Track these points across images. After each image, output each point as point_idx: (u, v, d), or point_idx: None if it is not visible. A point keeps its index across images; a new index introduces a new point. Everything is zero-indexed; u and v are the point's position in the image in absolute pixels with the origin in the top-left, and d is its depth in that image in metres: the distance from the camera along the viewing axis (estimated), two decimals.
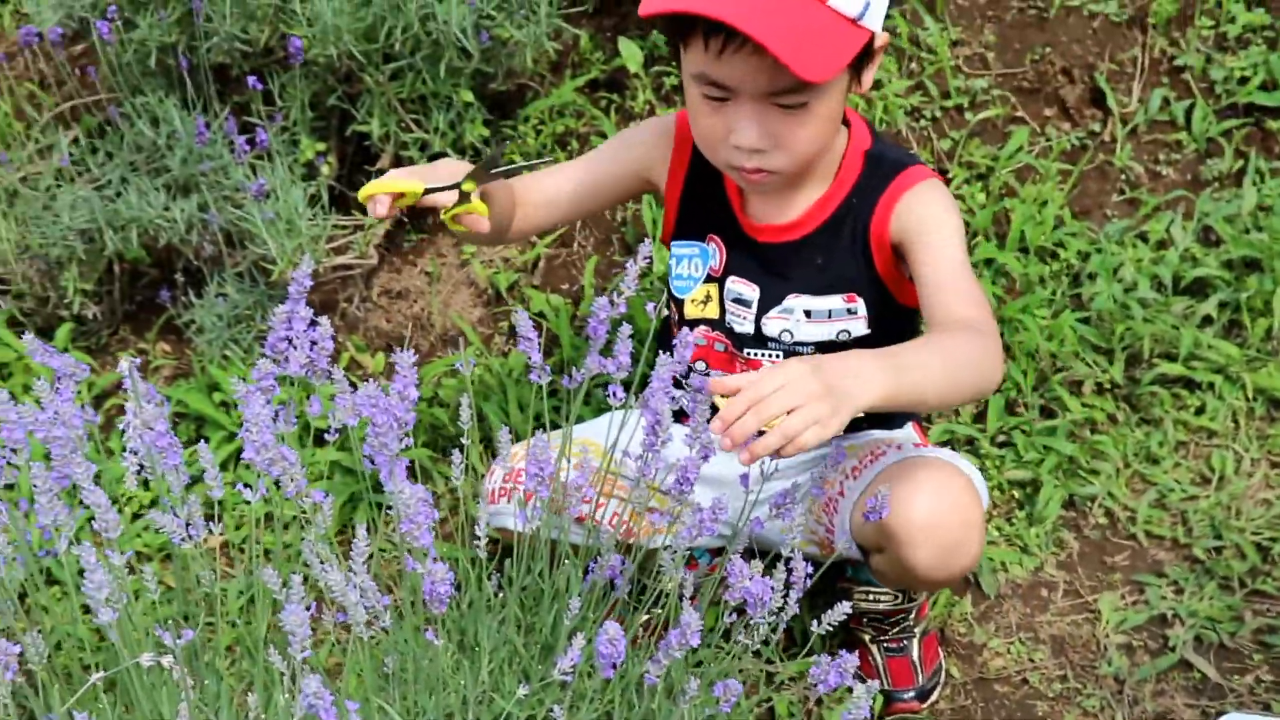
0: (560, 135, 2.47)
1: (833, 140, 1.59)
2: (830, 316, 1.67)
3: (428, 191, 1.55)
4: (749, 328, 1.70)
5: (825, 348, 1.70)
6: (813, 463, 1.77)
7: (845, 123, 1.64)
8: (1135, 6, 2.57)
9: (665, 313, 1.74)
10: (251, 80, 2.12)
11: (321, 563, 1.24)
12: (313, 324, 1.43)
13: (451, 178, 1.57)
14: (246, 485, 2.10)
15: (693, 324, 1.71)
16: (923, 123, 2.49)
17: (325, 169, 2.30)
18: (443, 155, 2.33)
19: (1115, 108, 2.48)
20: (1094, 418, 2.16)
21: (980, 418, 2.19)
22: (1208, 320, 2.25)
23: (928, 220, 1.57)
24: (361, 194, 1.54)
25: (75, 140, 2.33)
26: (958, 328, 1.44)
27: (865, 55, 1.51)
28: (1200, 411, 2.17)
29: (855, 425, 1.71)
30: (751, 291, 1.69)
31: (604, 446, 1.64)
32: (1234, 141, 2.43)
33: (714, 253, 1.70)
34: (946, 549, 1.52)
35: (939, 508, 1.51)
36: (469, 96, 2.26)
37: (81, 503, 2.10)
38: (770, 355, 1.71)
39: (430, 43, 2.16)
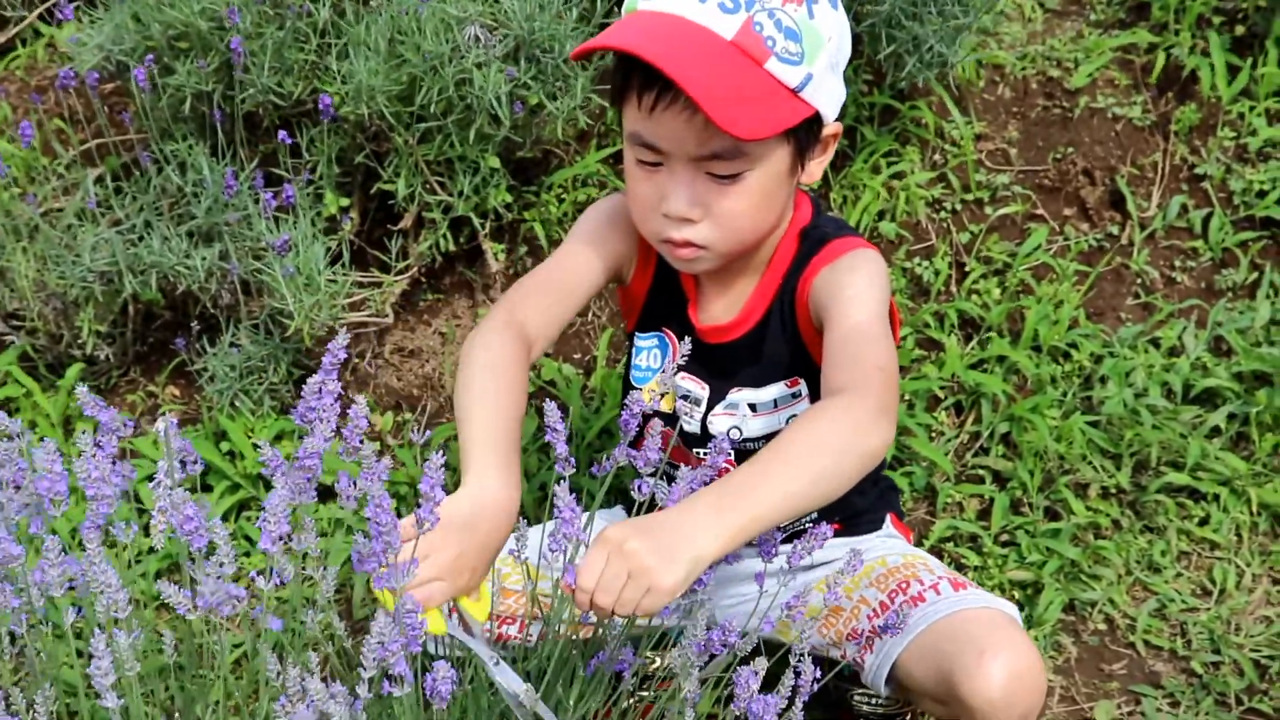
0: (582, 204, 2.48)
1: (768, 223, 1.54)
2: (776, 406, 1.64)
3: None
4: (696, 427, 1.67)
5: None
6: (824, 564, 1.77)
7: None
8: (1158, 113, 2.59)
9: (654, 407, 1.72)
10: (281, 135, 2.13)
11: (310, 673, 1.22)
12: (350, 402, 1.41)
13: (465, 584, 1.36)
14: (255, 556, 2.09)
15: (650, 416, 1.69)
16: (943, 214, 2.50)
17: (348, 225, 2.30)
18: (463, 219, 2.34)
19: (1134, 211, 2.50)
20: (1098, 522, 2.17)
21: (984, 515, 2.20)
22: (1216, 431, 2.26)
23: (835, 289, 1.51)
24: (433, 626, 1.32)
25: (100, 179, 2.33)
26: (812, 411, 1.37)
27: (810, 137, 1.48)
28: (1204, 523, 2.18)
29: (830, 516, 1.70)
30: (701, 390, 1.66)
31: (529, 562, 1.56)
32: (1250, 253, 2.45)
33: (670, 346, 1.68)
34: (1027, 713, 1.48)
35: (1016, 683, 1.46)
36: (495, 162, 2.27)
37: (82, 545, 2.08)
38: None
39: (463, 108, 2.17)
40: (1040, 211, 2.53)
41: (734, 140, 1.40)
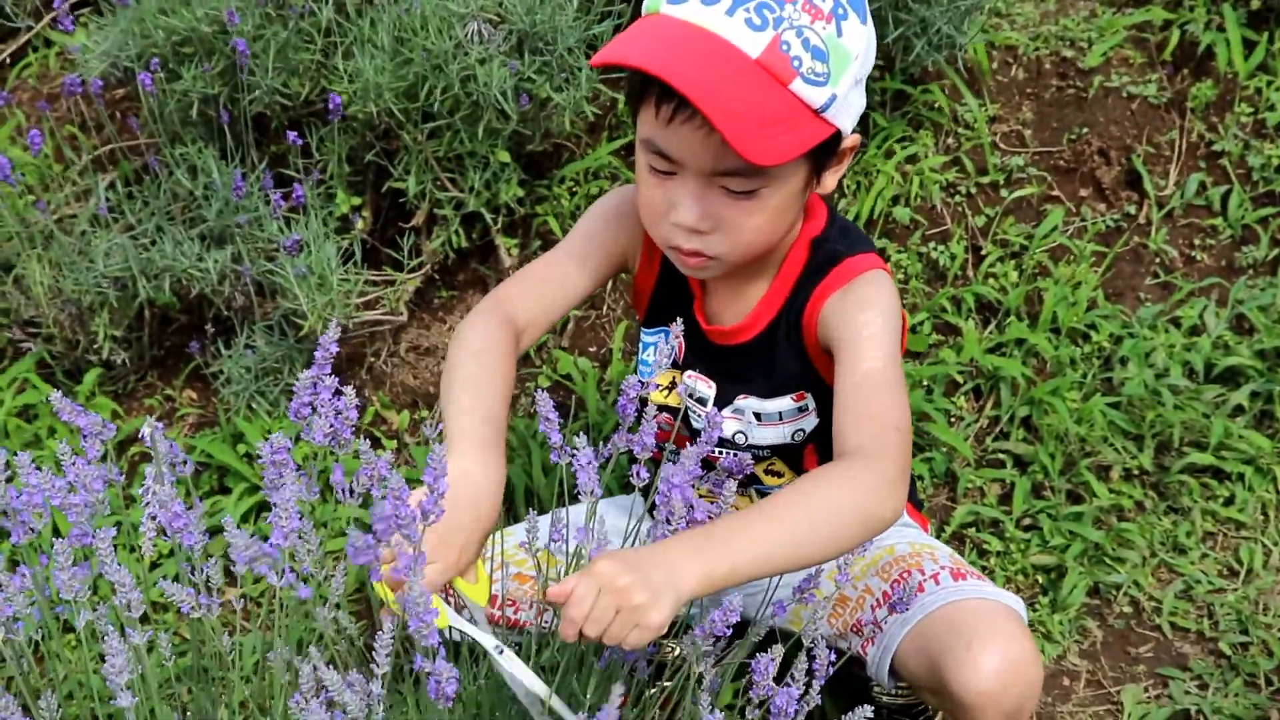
0: (594, 197, 2.47)
1: (780, 235, 1.50)
2: (782, 419, 1.62)
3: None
4: (704, 425, 1.62)
5: (781, 450, 1.65)
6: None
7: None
8: (1174, 90, 2.56)
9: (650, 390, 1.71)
10: (291, 136, 2.13)
11: (329, 663, 1.22)
12: (338, 393, 1.41)
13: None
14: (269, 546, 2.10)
15: (657, 410, 1.68)
16: (958, 198, 2.48)
17: (360, 223, 2.30)
18: (475, 215, 2.34)
19: (1151, 190, 2.48)
20: (1121, 504, 2.14)
21: (1006, 500, 2.18)
22: (1239, 410, 2.23)
23: (846, 327, 1.48)
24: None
25: (112, 185, 2.34)
26: (823, 471, 1.36)
27: (827, 153, 1.43)
28: (1229, 502, 2.15)
29: None
30: (708, 388, 1.63)
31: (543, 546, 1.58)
32: (1270, 229, 2.42)
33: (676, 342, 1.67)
34: (1013, 712, 1.44)
35: (1007, 675, 1.43)
36: (505, 157, 2.26)
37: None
38: (727, 455, 1.66)
39: (470, 103, 2.17)
40: (1056, 193, 2.50)
41: (754, 164, 1.36)
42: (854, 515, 1.32)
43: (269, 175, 2.20)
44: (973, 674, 1.43)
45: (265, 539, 1.85)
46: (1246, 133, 2.51)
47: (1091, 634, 2.02)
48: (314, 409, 1.43)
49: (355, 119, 2.25)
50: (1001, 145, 2.54)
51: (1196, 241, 2.45)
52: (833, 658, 1.41)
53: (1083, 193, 2.51)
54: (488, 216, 2.31)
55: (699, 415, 1.65)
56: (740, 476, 1.58)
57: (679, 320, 1.54)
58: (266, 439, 2.14)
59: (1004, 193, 2.48)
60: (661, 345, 1.57)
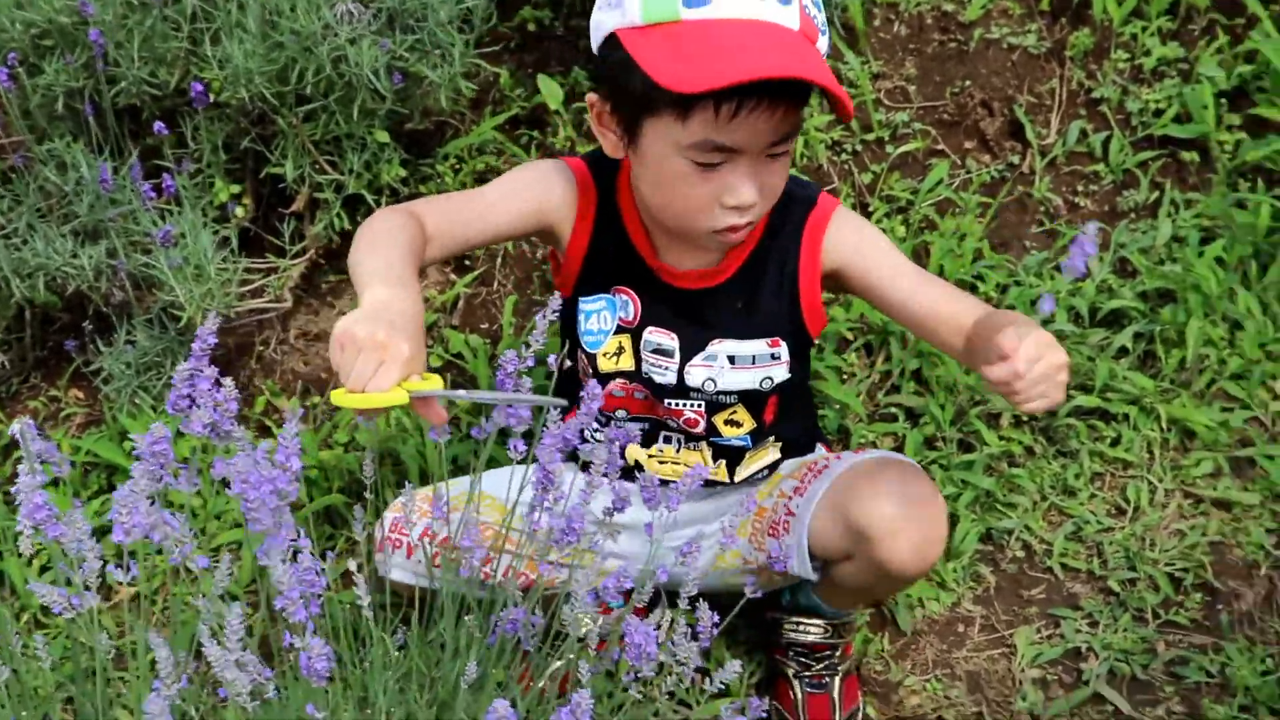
0: (480, 173, 2.46)
1: None
2: (754, 362, 1.66)
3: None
4: (671, 378, 1.66)
5: (747, 397, 1.69)
6: (715, 512, 1.77)
7: None
8: (1053, 40, 2.59)
9: (569, 364, 1.71)
10: (158, 126, 2.10)
11: (210, 635, 1.22)
12: (217, 384, 1.39)
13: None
14: (131, 554, 2.08)
15: (608, 377, 1.69)
16: (844, 156, 2.49)
17: (240, 211, 2.27)
18: (357, 197, 2.32)
19: (1034, 140, 2.50)
20: (1011, 450, 2.17)
21: (898, 452, 2.19)
22: (1123, 351, 2.26)
23: (862, 241, 1.64)
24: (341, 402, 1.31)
25: None
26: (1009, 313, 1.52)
27: None
28: (1115, 443, 2.18)
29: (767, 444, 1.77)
30: (671, 340, 1.66)
31: (501, 501, 1.62)
32: (1150, 173, 2.45)
33: (624, 304, 1.67)
34: (924, 539, 1.57)
35: (910, 500, 1.57)
36: (384, 137, 2.24)
37: None
38: (692, 405, 1.69)
39: (343, 84, 2.14)
40: (941, 146, 2.52)
41: (799, 122, 1.46)
42: None
43: (137, 167, 2.17)
44: (880, 503, 1.57)
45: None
46: (1124, 78, 2.54)
47: (985, 580, 2.05)
48: (193, 401, 1.42)
49: (228, 106, 2.21)
50: (885, 101, 2.55)
51: (1079, 188, 2.48)
52: (715, 619, 1.42)
53: (967, 145, 2.53)
54: (370, 198, 2.29)
55: (664, 370, 1.67)
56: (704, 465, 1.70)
57: (631, 293, 1.64)
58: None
59: (889, 149, 2.50)
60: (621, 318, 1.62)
